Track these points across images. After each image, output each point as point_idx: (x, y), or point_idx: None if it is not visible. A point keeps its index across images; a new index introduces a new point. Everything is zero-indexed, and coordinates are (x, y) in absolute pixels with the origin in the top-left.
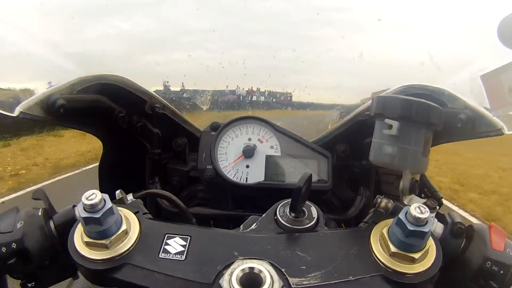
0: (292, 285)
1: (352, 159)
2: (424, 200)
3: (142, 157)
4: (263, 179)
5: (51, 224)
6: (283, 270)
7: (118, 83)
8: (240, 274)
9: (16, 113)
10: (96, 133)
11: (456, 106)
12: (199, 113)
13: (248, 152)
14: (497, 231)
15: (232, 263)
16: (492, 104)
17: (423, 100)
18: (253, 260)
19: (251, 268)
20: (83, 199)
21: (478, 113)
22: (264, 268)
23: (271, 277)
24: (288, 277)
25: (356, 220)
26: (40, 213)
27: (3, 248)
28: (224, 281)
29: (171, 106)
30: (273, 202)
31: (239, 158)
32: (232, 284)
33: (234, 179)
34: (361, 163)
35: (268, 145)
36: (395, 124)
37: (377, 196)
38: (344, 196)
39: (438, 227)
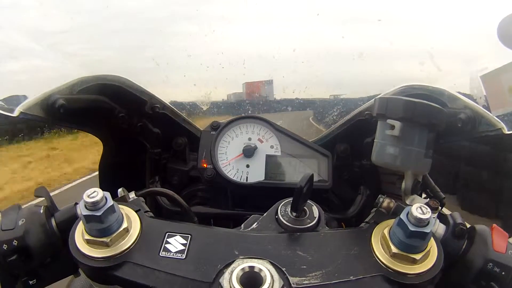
0: (292, 285)
1: (352, 158)
2: (427, 201)
3: (142, 157)
4: (263, 178)
5: (53, 221)
6: (283, 269)
7: (118, 83)
8: (240, 273)
9: (16, 113)
10: (96, 133)
11: (456, 106)
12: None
13: (248, 152)
14: (499, 232)
15: (233, 262)
16: (492, 104)
17: (425, 101)
18: (254, 259)
19: (251, 267)
20: (85, 197)
21: (478, 113)
22: (264, 267)
23: (272, 276)
24: (288, 277)
25: (357, 219)
26: (41, 211)
27: (4, 245)
28: (224, 280)
29: (171, 106)
30: (273, 201)
31: (238, 156)
32: (232, 283)
33: (234, 179)
34: (361, 163)
35: (268, 144)
36: (397, 124)
37: (379, 196)
38: (344, 195)
39: (440, 228)
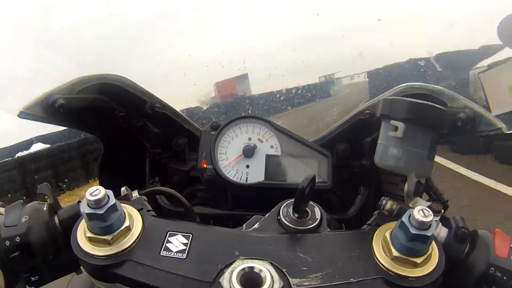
0: (292, 286)
1: (352, 158)
2: (429, 204)
3: (142, 157)
4: (263, 179)
5: (56, 219)
6: (284, 270)
7: (118, 83)
8: (241, 274)
9: (16, 112)
10: (96, 133)
11: (456, 106)
12: None
13: (248, 152)
14: (501, 237)
15: (233, 262)
16: (491, 103)
17: (429, 103)
18: (254, 260)
19: (251, 268)
20: (87, 195)
21: (478, 113)
22: (264, 268)
23: (272, 277)
24: (288, 278)
25: (356, 219)
26: (45, 208)
27: (7, 241)
28: (224, 280)
29: (171, 106)
30: (273, 202)
31: (239, 157)
32: (232, 283)
33: (234, 179)
34: (361, 163)
35: (268, 144)
36: (400, 126)
37: (382, 198)
38: (344, 196)
39: (442, 231)
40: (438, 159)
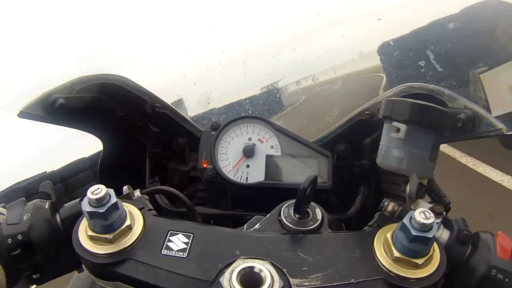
0: (292, 286)
1: (352, 158)
2: (431, 205)
3: (142, 157)
4: (263, 179)
5: (57, 217)
6: (284, 270)
7: (118, 82)
8: (241, 273)
9: (16, 112)
10: (96, 133)
11: (456, 106)
12: None
13: (249, 152)
14: (503, 239)
15: (233, 261)
16: (491, 104)
17: (432, 104)
18: (254, 260)
19: (252, 267)
20: (88, 193)
21: (478, 113)
22: (264, 267)
23: (272, 277)
24: (289, 278)
25: (356, 219)
26: (46, 206)
27: (9, 239)
28: (224, 279)
29: (171, 106)
30: (273, 202)
31: (241, 159)
32: (232, 283)
33: (235, 179)
34: (361, 163)
35: (268, 144)
36: (402, 127)
37: (384, 200)
38: (344, 196)
39: (443, 233)
40: None
